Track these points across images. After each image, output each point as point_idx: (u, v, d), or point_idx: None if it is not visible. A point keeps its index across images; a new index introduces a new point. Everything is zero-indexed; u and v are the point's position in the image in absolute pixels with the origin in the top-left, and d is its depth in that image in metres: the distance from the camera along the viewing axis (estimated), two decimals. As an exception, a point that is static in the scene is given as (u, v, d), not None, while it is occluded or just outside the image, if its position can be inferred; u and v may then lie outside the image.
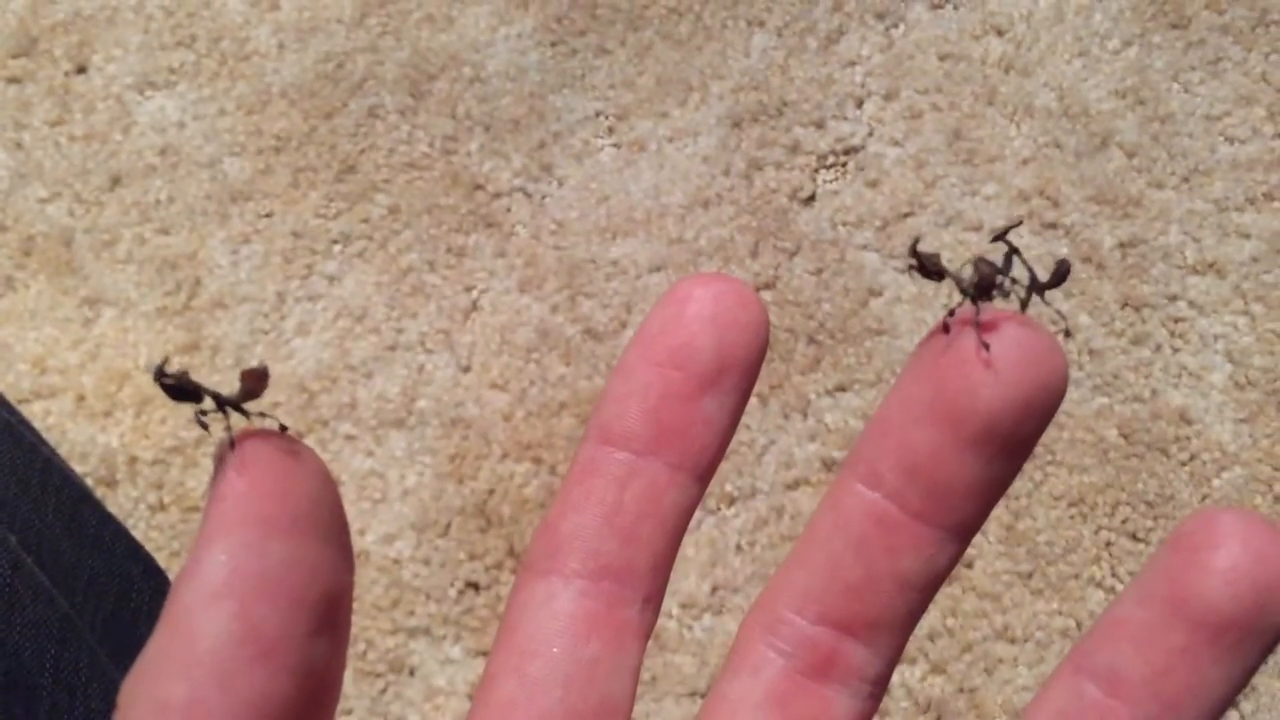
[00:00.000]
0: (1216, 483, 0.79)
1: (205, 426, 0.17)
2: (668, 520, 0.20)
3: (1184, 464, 0.80)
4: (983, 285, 0.18)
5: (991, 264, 0.18)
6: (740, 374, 0.20)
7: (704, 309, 0.19)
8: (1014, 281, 0.18)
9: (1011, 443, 0.19)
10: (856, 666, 0.20)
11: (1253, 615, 0.17)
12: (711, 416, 0.20)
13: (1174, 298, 0.84)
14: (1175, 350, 0.83)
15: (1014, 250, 0.19)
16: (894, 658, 0.20)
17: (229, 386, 0.17)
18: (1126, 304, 0.84)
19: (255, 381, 0.17)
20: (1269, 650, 0.18)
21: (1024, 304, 0.18)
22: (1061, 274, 0.19)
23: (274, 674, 0.15)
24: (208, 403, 0.17)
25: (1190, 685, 0.18)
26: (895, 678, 0.75)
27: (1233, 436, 0.80)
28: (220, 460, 0.16)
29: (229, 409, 0.17)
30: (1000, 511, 0.78)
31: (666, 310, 0.20)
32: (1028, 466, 0.78)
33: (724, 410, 0.20)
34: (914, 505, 0.19)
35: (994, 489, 0.19)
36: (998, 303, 0.19)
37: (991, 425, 0.18)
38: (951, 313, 0.18)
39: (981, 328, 0.18)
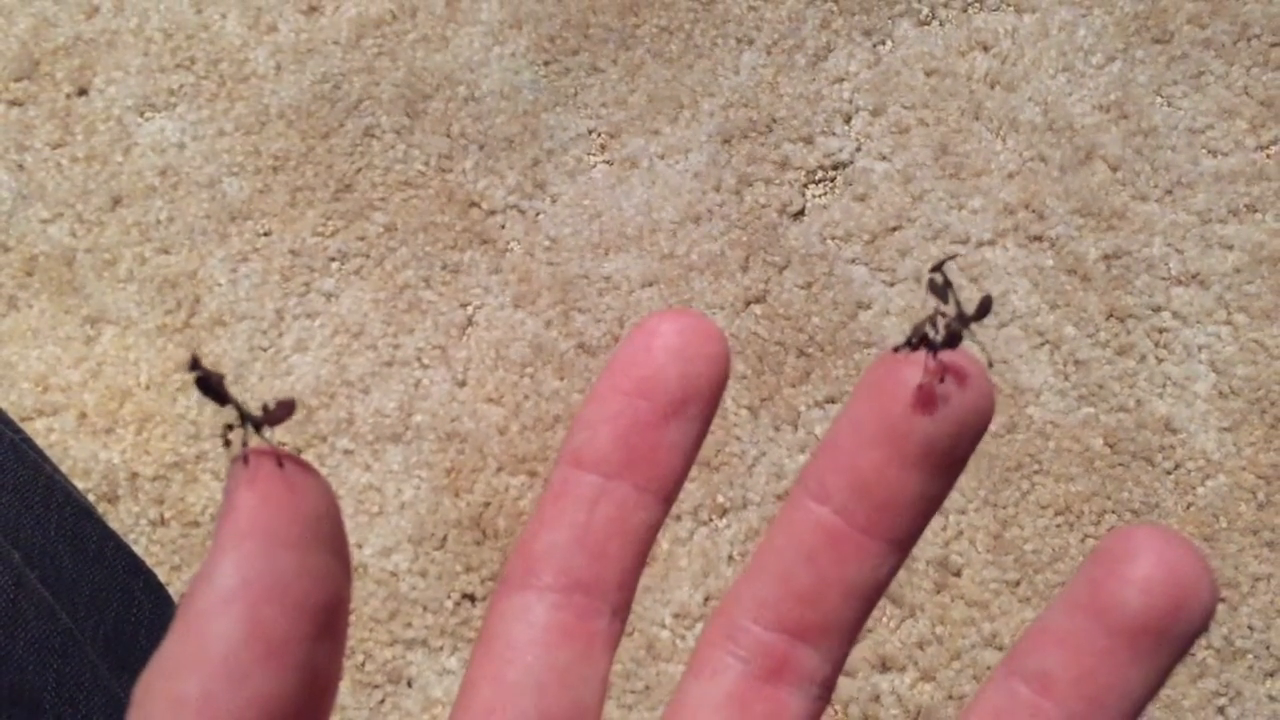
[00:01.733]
0: (1201, 490, 0.80)
1: (228, 443, 0.18)
2: (634, 538, 0.22)
3: (1169, 472, 0.81)
4: (950, 340, 0.20)
5: (960, 322, 0.20)
6: (703, 404, 0.21)
7: (670, 343, 0.21)
8: (943, 315, 0.20)
9: (947, 460, 0.20)
10: (807, 670, 0.22)
11: (1166, 621, 0.19)
12: (675, 442, 0.21)
13: (1158, 309, 0.85)
14: (1160, 360, 0.84)
15: (949, 284, 0.21)
16: (841, 661, 0.22)
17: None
18: (1111, 315, 0.85)
19: (284, 411, 0.19)
20: (1183, 652, 0.19)
21: (957, 337, 0.20)
22: (984, 308, 0.21)
23: (280, 673, 0.17)
24: (234, 419, 0.18)
25: (1111, 684, 0.19)
26: (885, 685, 0.76)
27: (1217, 445, 0.81)
28: (233, 476, 0.17)
29: (250, 426, 0.18)
30: (988, 520, 0.80)
31: (635, 343, 0.21)
32: (1015, 476, 0.79)
33: (687, 437, 0.21)
34: (860, 520, 0.21)
35: (931, 504, 0.21)
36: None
37: (930, 445, 0.20)
38: (910, 345, 0.20)
39: (925, 363, 0.20)
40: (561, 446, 0.22)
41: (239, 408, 0.18)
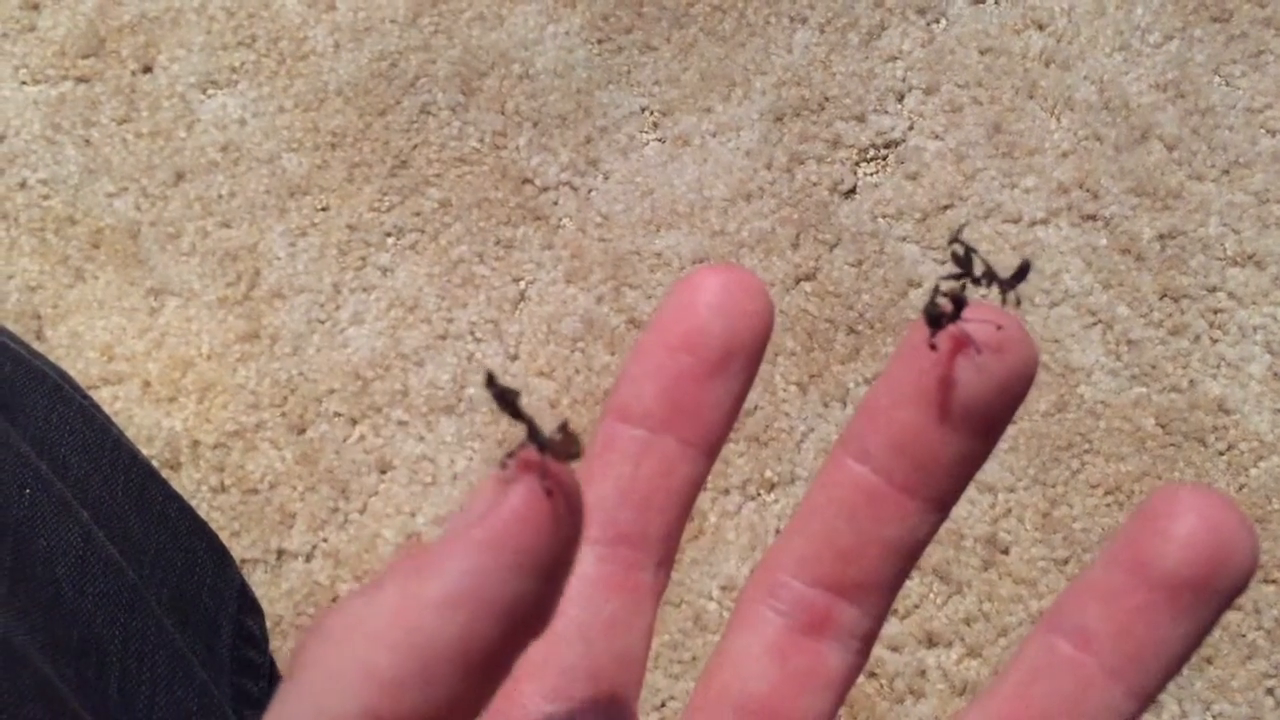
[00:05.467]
0: (1254, 472, 0.80)
1: (504, 466, 0.17)
2: (679, 492, 0.22)
3: (1221, 453, 0.80)
4: (957, 308, 0.20)
5: (1001, 287, 0.21)
6: (746, 359, 0.22)
7: (714, 298, 0.21)
8: (977, 283, 0.20)
9: (987, 422, 0.21)
10: (847, 624, 0.22)
11: (1206, 578, 0.19)
12: (719, 397, 0.22)
13: (1213, 289, 0.85)
14: (1214, 341, 0.83)
15: (971, 250, 0.21)
16: (881, 616, 0.22)
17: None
18: (1165, 295, 0.84)
19: (570, 444, 0.18)
20: (1222, 610, 0.20)
21: (1003, 298, 0.21)
22: (1023, 272, 0.22)
23: (469, 685, 0.17)
24: (516, 444, 0.18)
25: (1150, 640, 0.20)
26: (931, 660, 0.76)
27: (1270, 426, 0.81)
28: (504, 481, 0.17)
29: (538, 446, 0.17)
30: (1037, 499, 0.80)
31: (680, 298, 0.22)
32: (1065, 455, 0.79)
33: (731, 392, 0.22)
34: (899, 479, 0.21)
35: (971, 464, 0.21)
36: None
37: (969, 407, 0.20)
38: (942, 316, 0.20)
39: (962, 320, 0.20)
40: (607, 400, 0.22)
41: (530, 425, 0.17)
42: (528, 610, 0.17)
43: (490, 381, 0.17)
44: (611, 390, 0.22)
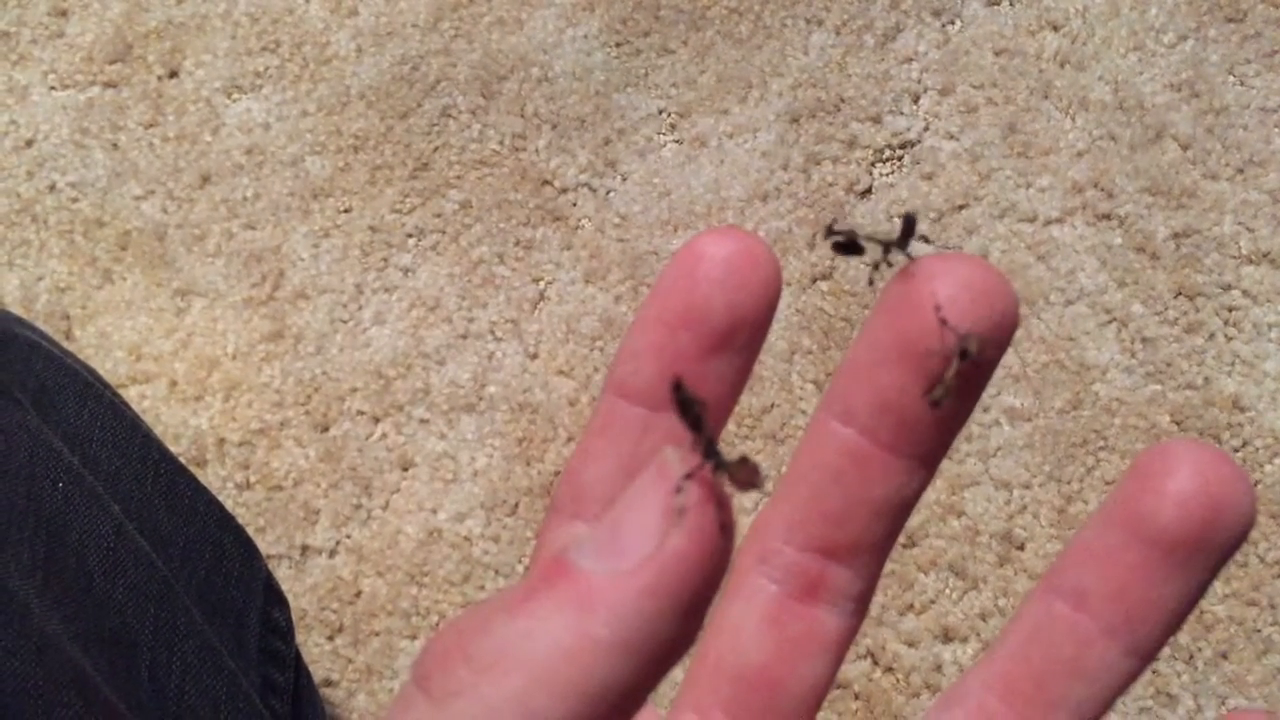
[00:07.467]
0: (1269, 468, 0.80)
1: (687, 477, 0.16)
2: None
3: (1236, 450, 0.81)
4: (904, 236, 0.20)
5: (891, 249, 0.21)
6: (751, 332, 0.21)
7: (715, 270, 0.20)
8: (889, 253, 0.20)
9: (969, 374, 0.20)
10: (841, 587, 0.22)
11: (1201, 534, 0.19)
12: (722, 373, 0.21)
13: (1228, 287, 0.85)
14: (1229, 339, 0.84)
15: (851, 234, 0.21)
16: (874, 577, 0.22)
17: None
18: (1180, 293, 0.85)
19: (751, 474, 0.17)
20: (1218, 566, 0.19)
21: (876, 264, 0.21)
22: (909, 226, 0.21)
23: None
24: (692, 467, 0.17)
25: (1148, 598, 0.20)
26: (948, 655, 0.77)
27: (1285, 423, 0.81)
28: (678, 510, 0.16)
29: (716, 466, 0.16)
30: (1053, 495, 0.80)
31: (680, 268, 0.20)
32: (1080, 452, 0.80)
33: (734, 366, 0.21)
34: (884, 439, 0.21)
35: (956, 419, 0.21)
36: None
37: (949, 360, 0.20)
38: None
39: (937, 272, 0.20)
40: (608, 373, 0.22)
41: (711, 442, 0.17)
42: (682, 649, 0.16)
43: (678, 388, 0.17)
44: (612, 363, 0.22)
